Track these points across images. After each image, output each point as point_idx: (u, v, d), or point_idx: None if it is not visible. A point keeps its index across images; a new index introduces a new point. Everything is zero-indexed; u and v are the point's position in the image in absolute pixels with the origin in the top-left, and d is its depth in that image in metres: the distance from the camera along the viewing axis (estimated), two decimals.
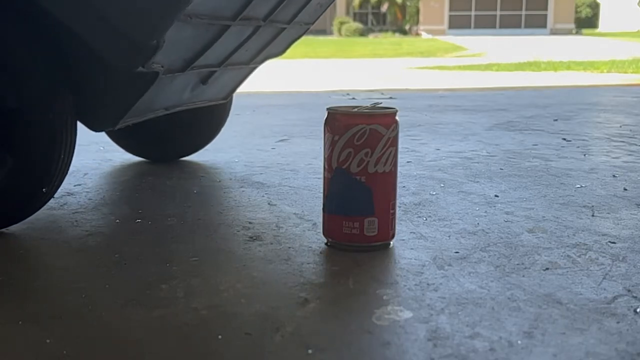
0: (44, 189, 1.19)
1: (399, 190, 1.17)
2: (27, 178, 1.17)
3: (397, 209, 1.18)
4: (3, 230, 1.24)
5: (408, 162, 1.87)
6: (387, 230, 1.11)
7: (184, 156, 1.93)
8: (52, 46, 1.16)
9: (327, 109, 1.10)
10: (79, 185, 1.61)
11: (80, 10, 1.07)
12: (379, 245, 1.11)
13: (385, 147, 1.06)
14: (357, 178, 1.07)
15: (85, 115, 1.25)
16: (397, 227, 1.15)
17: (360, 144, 1.06)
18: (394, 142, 1.08)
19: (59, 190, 1.29)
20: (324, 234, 1.14)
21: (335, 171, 1.08)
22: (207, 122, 1.86)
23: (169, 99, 1.43)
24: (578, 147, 2.13)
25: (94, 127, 1.30)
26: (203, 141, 1.92)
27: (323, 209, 1.13)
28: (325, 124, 1.10)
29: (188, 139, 1.89)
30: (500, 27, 25.98)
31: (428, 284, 0.96)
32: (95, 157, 1.94)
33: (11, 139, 1.15)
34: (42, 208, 1.27)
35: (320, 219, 1.15)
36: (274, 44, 1.59)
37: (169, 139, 1.87)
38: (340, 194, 1.09)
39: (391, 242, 1.13)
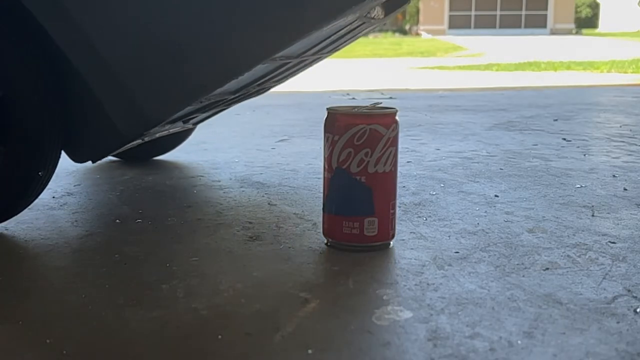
0: (39, 172, 1.19)
1: (399, 190, 1.17)
2: (21, 163, 1.17)
3: (397, 209, 1.18)
4: (3, 230, 1.24)
5: (408, 162, 1.87)
6: (387, 230, 1.11)
7: (155, 157, 1.98)
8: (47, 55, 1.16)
9: (327, 109, 1.10)
10: (79, 185, 1.61)
11: (100, 70, 1.07)
12: (379, 245, 1.10)
13: (385, 147, 1.06)
14: (357, 178, 1.07)
15: (70, 147, 1.25)
16: (397, 227, 1.15)
17: (360, 144, 1.05)
18: (394, 142, 1.08)
19: (59, 190, 1.30)
20: (324, 234, 1.14)
21: (335, 171, 1.08)
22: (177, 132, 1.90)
23: (148, 133, 1.45)
24: (578, 147, 2.13)
25: (75, 158, 1.29)
26: (173, 145, 1.98)
27: (323, 209, 1.13)
28: (325, 124, 1.10)
29: (158, 143, 1.93)
30: (500, 27, 25.98)
31: (428, 284, 0.96)
32: None
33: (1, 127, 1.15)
34: (42, 208, 1.27)
35: (320, 219, 1.15)
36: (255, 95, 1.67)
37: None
38: (341, 194, 1.09)
39: (391, 242, 1.13)
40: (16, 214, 1.24)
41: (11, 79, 1.14)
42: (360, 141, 1.06)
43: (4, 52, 1.13)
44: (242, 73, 1.07)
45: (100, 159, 1.31)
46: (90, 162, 1.32)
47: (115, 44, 1.06)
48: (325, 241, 1.14)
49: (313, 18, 1.04)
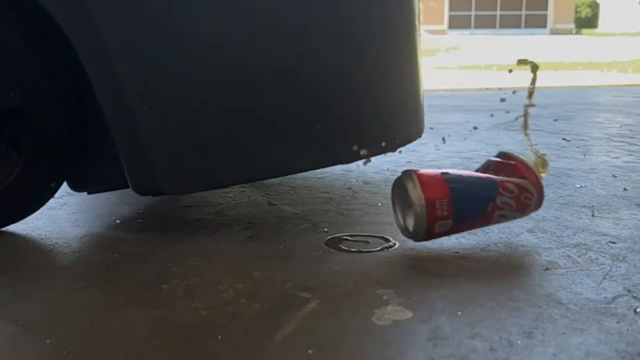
0: (52, 184, 1.21)
1: None
2: (36, 174, 1.18)
3: None
4: (3, 230, 1.24)
5: (408, 162, 1.87)
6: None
7: None
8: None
9: (504, 153, 1.15)
10: None
11: (130, 140, 1.09)
12: None
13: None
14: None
15: (74, 174, 1.26)
16: (397, 227, 1.15)
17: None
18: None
19: (59, 190, 1.29)
20: None
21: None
22: None
23: None
24: (578, 147, 2.13)
25: (73, 186, 1.29)
26: None
27: None
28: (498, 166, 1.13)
29: None
30: (500, 27, 25.97)
31: (428, 284, 0.96)
32: None
33: (21, 137, 1.16)
34: (42, 208, 1.28)
35: (319, 219, 1.15)
36: None
37: None
38: None
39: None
40: (22, 219, 1.24)
41: (34, 90, 1.15)
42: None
43: (31, 65, 1.14)
44: (261, 179, 1.10)
45: (92, 193, 1.33)
46: (86, 193, 1.33)
47: (154, 123, 1.09)
48: (326, 240, 1.14)
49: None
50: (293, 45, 1.08)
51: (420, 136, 1.22)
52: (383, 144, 1.14)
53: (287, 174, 1.11)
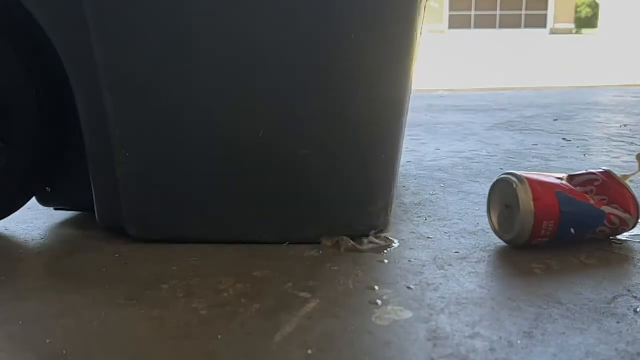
0: (47, 188, 1.23)
1: (399, 190, 1.17)
2: (22, 162, 1.19)
3: (398, 208, 1.17)
4: (3, 230, 1.24)
5: (408, 162, 1.87)
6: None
7: None
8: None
9: (613, 175, 1.14)
10: None
11: (105, 174, 1.12)
12: None
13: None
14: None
15: (40, 190, 1.26)
16: (397, 227, 1.15)
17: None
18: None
19: None
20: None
21: None
22: None
23: None
24: (578, 147, 2.13)
25: (40, 200, 1.29)
26: None
27: None
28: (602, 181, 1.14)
29: None
30: (500, 27, 25.99)
31: (428, 284, 0.96)
32: None
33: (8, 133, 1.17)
34: (42, 208, 1.28)
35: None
36: None
37: None
38: None
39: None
40: (14, 212, 1.25)
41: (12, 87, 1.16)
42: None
43: (13, 64, 1.15)
44: (220, 242, 1.15)
45: (62, 211, 1.34)
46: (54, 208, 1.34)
47: (130, 167, 1.11)
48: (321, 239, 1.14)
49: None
50: (270, 120, 1.08)
51: (387, 225, 1.21)
52: (349, 231, 1.14)
53: (247, 243, 1.13)
